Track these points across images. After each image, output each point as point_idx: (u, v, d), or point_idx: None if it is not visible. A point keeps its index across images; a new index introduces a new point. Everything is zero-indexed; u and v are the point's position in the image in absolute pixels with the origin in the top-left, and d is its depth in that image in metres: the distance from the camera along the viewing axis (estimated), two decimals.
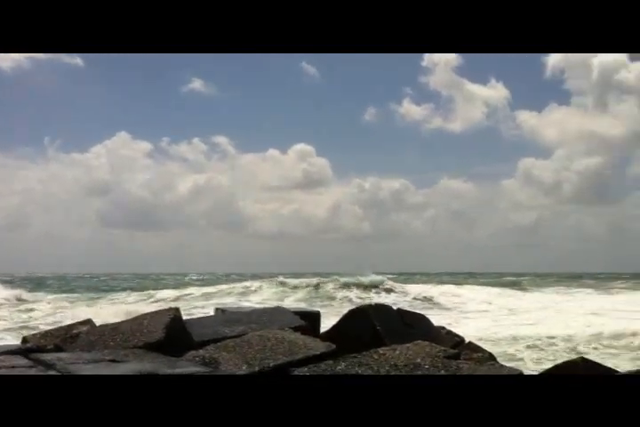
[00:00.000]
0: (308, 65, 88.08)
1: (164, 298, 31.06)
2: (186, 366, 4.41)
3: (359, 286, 33.75)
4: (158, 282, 52.00)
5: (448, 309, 26.82)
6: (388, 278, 36.88)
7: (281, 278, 37.06)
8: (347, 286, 33.64)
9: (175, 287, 38.72)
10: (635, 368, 7.18)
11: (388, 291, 33.28)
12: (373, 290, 33.18)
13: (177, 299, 29.91)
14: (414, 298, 31.47)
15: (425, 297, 31.28)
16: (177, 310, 5.88)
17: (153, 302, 28.59)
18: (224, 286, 35.39)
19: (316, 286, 34.09)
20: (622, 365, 10.44)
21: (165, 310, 5.95)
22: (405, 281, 39.68)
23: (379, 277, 36.26)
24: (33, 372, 4.10)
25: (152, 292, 34.30)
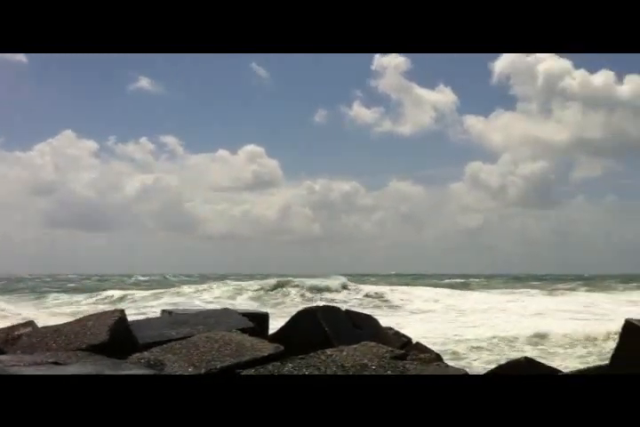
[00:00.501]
0: (259, 66, 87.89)
1: (109, 298, 30.57)
2: (130, 369, 4.34)
3: (322, 289, 33.65)
4: (103, 283, 51.07)
5: (398, 309, 27.10)
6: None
7: (237, 282, 36.68)
8: (314, 289, 33.57)
9: (121, 288, 38.10)
10: (578, 367, 7.35)
11: (349, 291, 33.36)
12: (334, 292, 33.23)
13: (122, 300, 29.46)
14: (366, 295, 31.75)
15: (379, 298, 31.50)
16: (122, 311, 5.77)
17: (98, 304, 28.11)
18: (175, 289, 34.85)
19: (275, 288, 33.84)
20: (566, 364, 10.70)
21: (110, 311, 5.84)
22: (358, 282, 39.79)
23: (342, 279, 36.28)
24: None
25: (97, 293, 33.71)
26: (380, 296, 31.66)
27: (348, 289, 33.88)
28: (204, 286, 35.59)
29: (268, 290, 33.55)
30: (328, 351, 4.92)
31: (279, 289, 33.60)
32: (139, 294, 32.95)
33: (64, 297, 32.79)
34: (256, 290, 33.66)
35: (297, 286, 33.95)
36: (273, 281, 35.50)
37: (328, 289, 33.79)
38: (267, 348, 5.06)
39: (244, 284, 35.62)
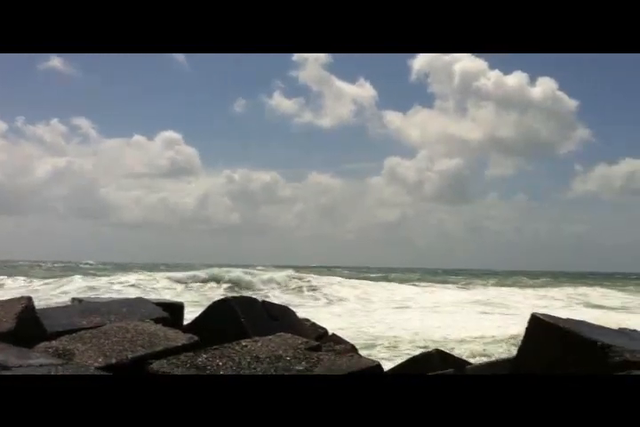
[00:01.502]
0: (178, 53, 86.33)
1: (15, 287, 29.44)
2: (38, 358, 4.19)
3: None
4: (12, 269, 49.14)
5: (316, 300, 27.28)
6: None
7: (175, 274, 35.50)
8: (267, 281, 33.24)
9: (32, 275, 36.76)
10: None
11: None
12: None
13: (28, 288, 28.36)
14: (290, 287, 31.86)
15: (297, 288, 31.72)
16: (29, 299, 5.57)
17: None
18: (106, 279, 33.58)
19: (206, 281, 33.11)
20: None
21: (17, 298, 5.63)
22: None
23: (284, 272, 36.10)
24: None
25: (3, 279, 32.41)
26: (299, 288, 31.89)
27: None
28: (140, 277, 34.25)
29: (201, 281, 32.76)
30: (243, 342, 4.89)
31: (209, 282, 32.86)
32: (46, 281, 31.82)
33: None
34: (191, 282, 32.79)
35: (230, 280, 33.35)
36: (203, 274, 34.67)
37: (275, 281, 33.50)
38: (180, 338, 4.99)
39: (180, 275, 34.59)
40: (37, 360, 4.13)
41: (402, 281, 44.39)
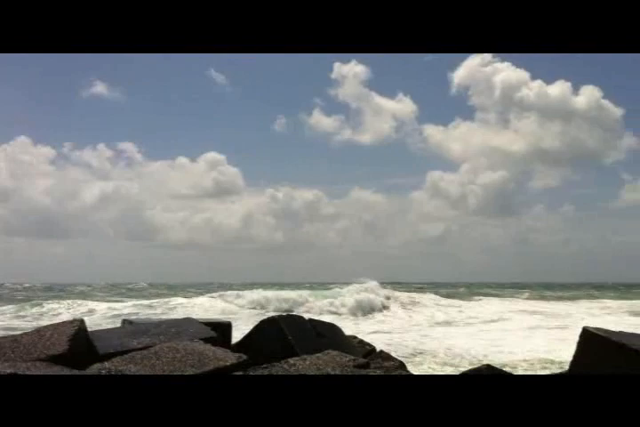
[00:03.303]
0: (217, 73, 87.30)
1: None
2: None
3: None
4: (66, 293, 49.85)
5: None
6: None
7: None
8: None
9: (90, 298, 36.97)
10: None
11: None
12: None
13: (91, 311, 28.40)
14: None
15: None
16: (81, 321, 5.70)
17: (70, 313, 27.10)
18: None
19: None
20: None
21: (69, 321, 5.75)
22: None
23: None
24: None
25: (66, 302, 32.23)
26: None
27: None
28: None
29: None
30: (291, 361, 4.91)
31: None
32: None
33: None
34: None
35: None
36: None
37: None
38: (229, 357, 5.02)
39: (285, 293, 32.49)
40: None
41: (472, 295, 42.64)
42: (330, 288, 38.10)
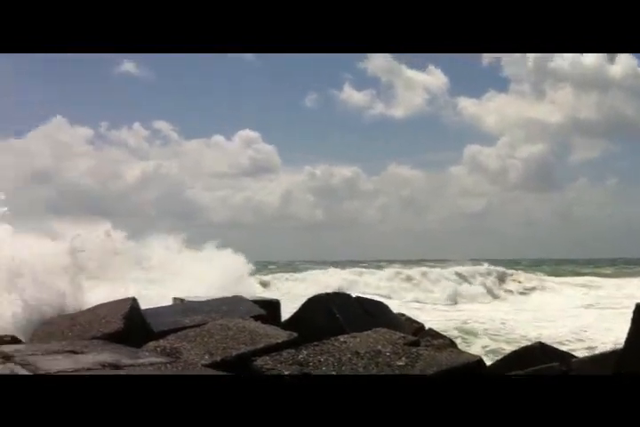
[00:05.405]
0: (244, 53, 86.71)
1: None
2: (147, 357, 4.37)
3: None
4: None
5: None
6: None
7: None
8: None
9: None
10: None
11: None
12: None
13: None
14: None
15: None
16: (134, 299, 5.81)
17: None
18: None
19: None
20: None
21: (122, 300, 5.87)
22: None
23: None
24: None
25: None
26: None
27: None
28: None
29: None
30: (342, 338, 4.94)
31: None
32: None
33: None
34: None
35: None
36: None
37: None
38: (280, 335, 5.08)
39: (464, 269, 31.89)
40: (147, 359, 4.31)
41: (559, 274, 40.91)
42: (381, 267, 36.97)
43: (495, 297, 27.76)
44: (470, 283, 29.51)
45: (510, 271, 34.11)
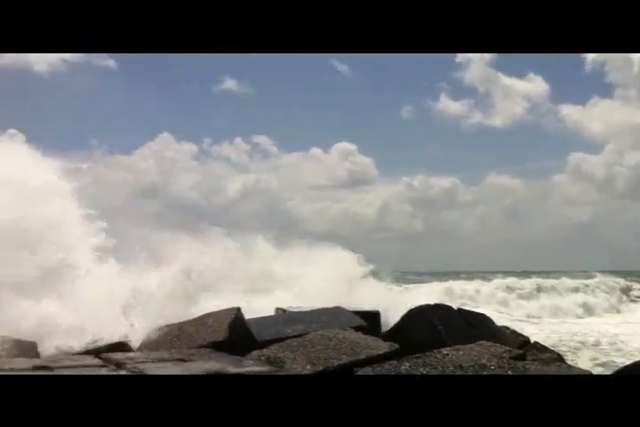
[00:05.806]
0: (339, 63, 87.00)
1: None
2: (252, 366, 4.46)
3: None
4: None
5: None
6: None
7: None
8: None
9: None
10: None
11: None
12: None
13: None
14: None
15: None
16: (238, 309, 5.93)
17: None
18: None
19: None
20: None
21: (227, 309, 6.01)
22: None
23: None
24: (104, 371, 4.19)
25: None
26: None
27: None
28: None
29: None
30: (444, 351, 4.86)
31: None
32: None
33: None
34: None
35: None
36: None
37: None
38: (381, 346, 5.07)
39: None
40: (251, 368, 4.40)
41: None
42: (485, 278, 35.33)
43: (617, 311, 26.52)
44: (590, 295, 28.25)
45: (631, 283, 32.53)
